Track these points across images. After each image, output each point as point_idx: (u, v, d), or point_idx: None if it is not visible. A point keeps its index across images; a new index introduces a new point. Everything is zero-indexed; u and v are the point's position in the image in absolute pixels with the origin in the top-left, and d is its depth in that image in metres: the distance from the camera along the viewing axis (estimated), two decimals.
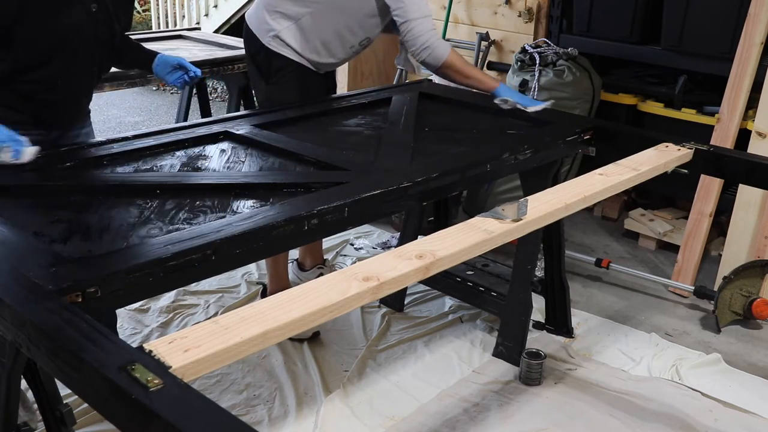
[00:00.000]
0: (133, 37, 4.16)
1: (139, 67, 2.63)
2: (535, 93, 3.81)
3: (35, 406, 1.91)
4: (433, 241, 1.65)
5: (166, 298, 3.25)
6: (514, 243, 2.64)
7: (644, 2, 3.83)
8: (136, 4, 8.21)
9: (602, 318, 3.27)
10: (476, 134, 2.63)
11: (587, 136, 2.61)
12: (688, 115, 3.75)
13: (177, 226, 1.77)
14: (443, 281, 3.19)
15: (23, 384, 1.71)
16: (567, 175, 3.82)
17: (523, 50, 3.96)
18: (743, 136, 3.41)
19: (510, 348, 2.89)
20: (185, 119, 4.35)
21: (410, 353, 2.96)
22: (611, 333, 3.15)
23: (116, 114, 6.41)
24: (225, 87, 6.32)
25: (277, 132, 2.48)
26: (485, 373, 2.82)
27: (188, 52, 3.93)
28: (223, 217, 1.82)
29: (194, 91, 4.48)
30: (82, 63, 2.26)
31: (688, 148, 2.39)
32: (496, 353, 2.94)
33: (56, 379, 1.80)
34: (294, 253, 3.33)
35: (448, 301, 3.35)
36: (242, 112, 3.62)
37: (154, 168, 2.16)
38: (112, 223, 1.78)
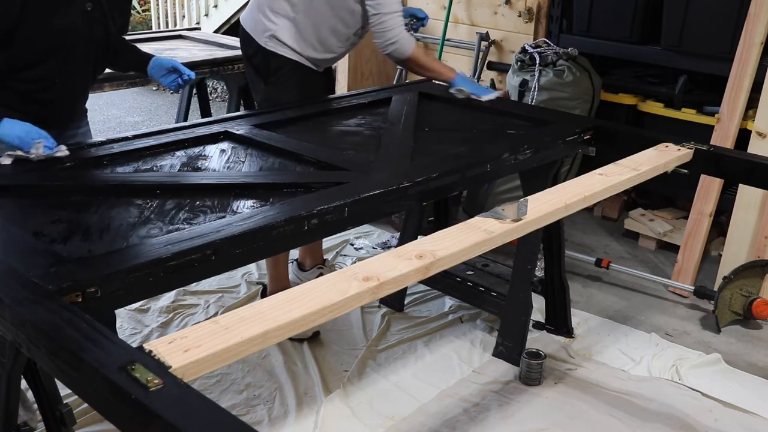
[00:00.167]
0: (133, 36, 4.18)
1: (134, 69, 2.63)
2: (535, 93, 3.81)
3: (35, 406, 1.91)
4: (433, 241, 1.65)
5: (166, 298, 3.25)
6: (514, 243, 2.64)
7: (644, 2, 3.83)
8: (136, 4, 8.24)
9: (602, 318, 3.27)
10: (476, 134, 2.64)
11: (587, 136, 2.61)
12: (688, 115, 3.75)
13: (177, 226, 1.77)
14: (443, 281, 3.19)
15: (23, 384, 1.71)
16: (567, 175, 3.82)
17: (523, 50, 3.96)
18: (743, 136, 3.41)
19: (510, 348, 2.89)
20: (185, 119, 4.35)
21: (410, 353, 2.96)
22: (611, 333, 3.15)
23: (116, 114, 6.40)
24: (225, 87, 6.32)
25: (277, 132, 2.48)
26: (485, 373, 2.82)
27: (188, 52, 3.93)
28: (223, 217, 1.82)
29: (194, 91, 4.48)
30: (77, 62, 2.26)
31: (688, 148, 2.39)
32: (496, 353, 2.94)
33: (56, 379, 1.80)
34: (294, 253, 3.33)
35: (448, 301, 3.35)
36: (242, 112, 3.63)
37: (154, 168, 2.16)
38: (112, 223, 1.78)
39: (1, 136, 2.06)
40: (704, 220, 3.48)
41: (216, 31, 6.58)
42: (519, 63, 3.94)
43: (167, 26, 7.33)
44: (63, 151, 2.12)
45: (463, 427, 2.53)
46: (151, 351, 1.19)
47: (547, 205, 1.88)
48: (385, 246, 3.88)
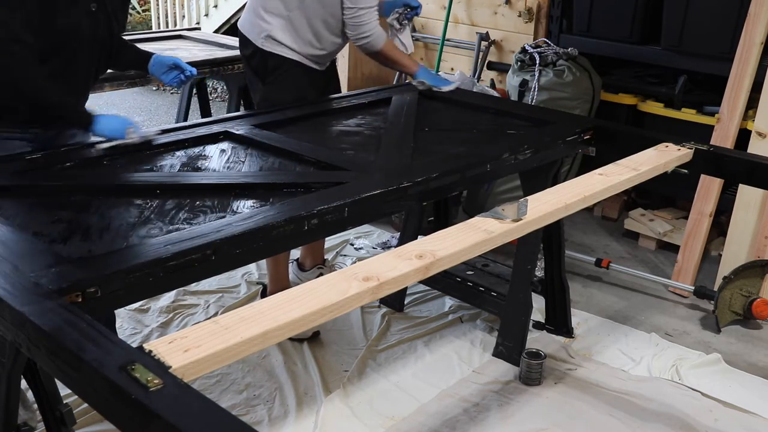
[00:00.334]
0: (133, 36, 4.18)
1: (134, 68, 2.63)
2: (535, 93, 3.81)
3: (35, 406, 1.91)
4: (433, 241, 1.65)
5: (166, 298, 3.25)
6: (514, 243, 2.64)
7: (644, 2, 3.83)
8: (136, 4, 8.23)
9: (602, 318, 3.27)
10: (476, 134, 2.64)
11: (587, 136, 2.61)
12: (688, 115, 3.75)
13: (177, 226, 1.77)
14: (443, 281, 3.19)
15: (23, 384, 1.71)
16: (567, 175, 3.82)
17: (523, 50, 3.96)
18: (743, 136, 3.41)
19: (510, 348, 2.89)
20: (185, 119, 4.35)
21: (410, 353, 2.96)
22: (611, 333, 3.15)
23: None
24: (225, 87, 6.32)
25: (277, 132, 2.48)
26: (485, 373, 2.82)
27: (188, 52, 3.93)
28: (223, 217, 1.82)
29: (194, 91, 4.48)
30: (81, 62, 2.26)
31: (688, 148, 2.39)
32: (496, 353, 2.94)
33: (56, 379, 1.80)
34: (294, 254, 3.33)
35: (448, 301, 3.35)
36: (242, 112, 3.64)
37: (154, 168, 2.16)
38: (112, 223, 1.78)
39: (101, 131, 2.23)
40: (704, 220, 3.48)
41: (216, 31, 6.58)
42: (519, 63, 3.94)
43: (167, 26, 7.33)
44: (151, 135, 2.31)
45: (463, 427, 2.53)
46: (151, 351, 1.19)
47: (547, 205, 1.88)
48: (385, 246, 3.88)
